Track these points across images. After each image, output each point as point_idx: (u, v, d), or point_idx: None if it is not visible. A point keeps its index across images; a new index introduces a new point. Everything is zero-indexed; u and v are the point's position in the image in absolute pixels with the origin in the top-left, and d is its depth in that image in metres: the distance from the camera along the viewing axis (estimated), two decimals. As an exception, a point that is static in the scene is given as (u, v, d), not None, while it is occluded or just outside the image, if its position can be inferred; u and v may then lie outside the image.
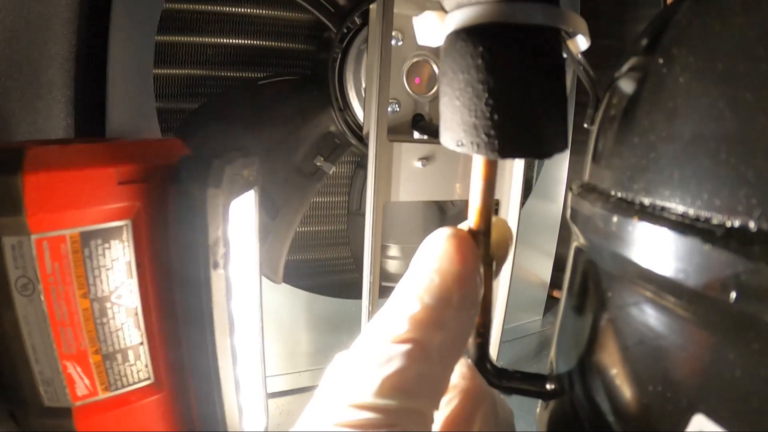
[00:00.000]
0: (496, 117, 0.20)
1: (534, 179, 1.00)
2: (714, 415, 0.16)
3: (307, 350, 0.84)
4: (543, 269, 1.03)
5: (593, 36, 0.23)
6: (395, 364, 0.20)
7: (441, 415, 0.24)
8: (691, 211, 0.17)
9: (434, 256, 0.22)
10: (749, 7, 0.18)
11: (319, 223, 0.92)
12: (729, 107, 0.17)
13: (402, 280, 0.23)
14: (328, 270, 0.93)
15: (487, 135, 0.21)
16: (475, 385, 0.25)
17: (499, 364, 0.27)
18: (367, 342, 0.21)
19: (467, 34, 0.21)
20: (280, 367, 0.82)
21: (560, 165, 1.00)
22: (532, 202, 0.97)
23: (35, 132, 0.56)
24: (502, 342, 0.70)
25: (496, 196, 0.66)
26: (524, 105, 0.21)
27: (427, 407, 0.20)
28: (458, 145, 0.22)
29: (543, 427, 0.27)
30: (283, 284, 0.80)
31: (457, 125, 0.21)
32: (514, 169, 0.65)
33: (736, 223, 0.16)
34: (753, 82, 0.17)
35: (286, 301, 0.81)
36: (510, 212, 0.66)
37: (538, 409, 0.29)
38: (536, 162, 1.00)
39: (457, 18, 0.21)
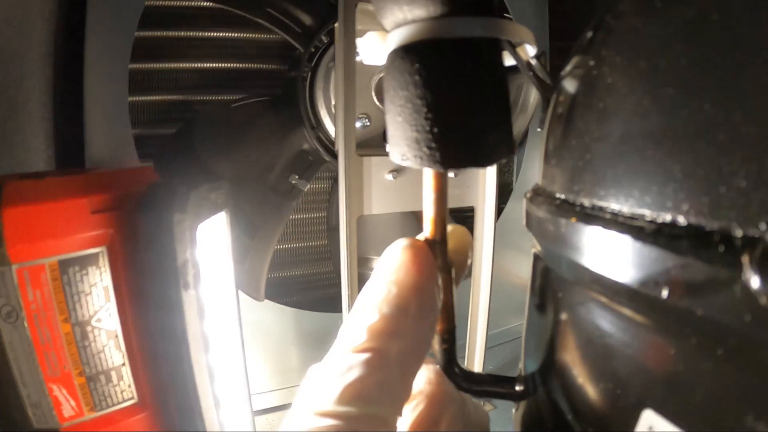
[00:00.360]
0: (435, 130, 0.21)
1: (514, 182, 1.00)
2: (662, 410, 0.16)
3: (297, 365, 0.84)
4: (528, 271, 1.02)
5: (562, 38, 0.24)
6: (355, 373, 0.20)
7: (406, 420, 0.24)
8: (625, 209, 0.17)
9: (392, 268, 0.23)
10: (669, 3, 0.18)
11: (301, 239, 0.92)
12: (653, 103, 0.17)
13: (362, 292, 0.23)
14: (313, 285, 0.94)
15: (429, 148, 0.21)
16: (441, 390, 0.25)
17: (489, 369, 0.27)
18: (332, 353, 0.22)
19: (405, 52, 0.21)
20: (271, 384, 0.82)
21: (539, 166, 0.99)
22: (512, 205, 0.96)
23: (15, 165, 0.57)
24: (489, 347, 0.70)
25: (471, 203, 0.67)
26: (462, 117, 0.21)
27: (388, 413, 0.21)
28: (403, 159, 0.22)
29: (518, 428, 0.27)
30: (270, 302, 0.80)
31: (400, 140, 0.22)
32: (488, 174, 0.65)
33: (667, 219, 0.16)
34: (674, 77, 0.17)
35: (274, 318, 0.81)
36: (486, 217, 0.66)
37: (513, 410, 0.29)
38: (514, 165, 1.00)
39: (396, 37, 0.22)
